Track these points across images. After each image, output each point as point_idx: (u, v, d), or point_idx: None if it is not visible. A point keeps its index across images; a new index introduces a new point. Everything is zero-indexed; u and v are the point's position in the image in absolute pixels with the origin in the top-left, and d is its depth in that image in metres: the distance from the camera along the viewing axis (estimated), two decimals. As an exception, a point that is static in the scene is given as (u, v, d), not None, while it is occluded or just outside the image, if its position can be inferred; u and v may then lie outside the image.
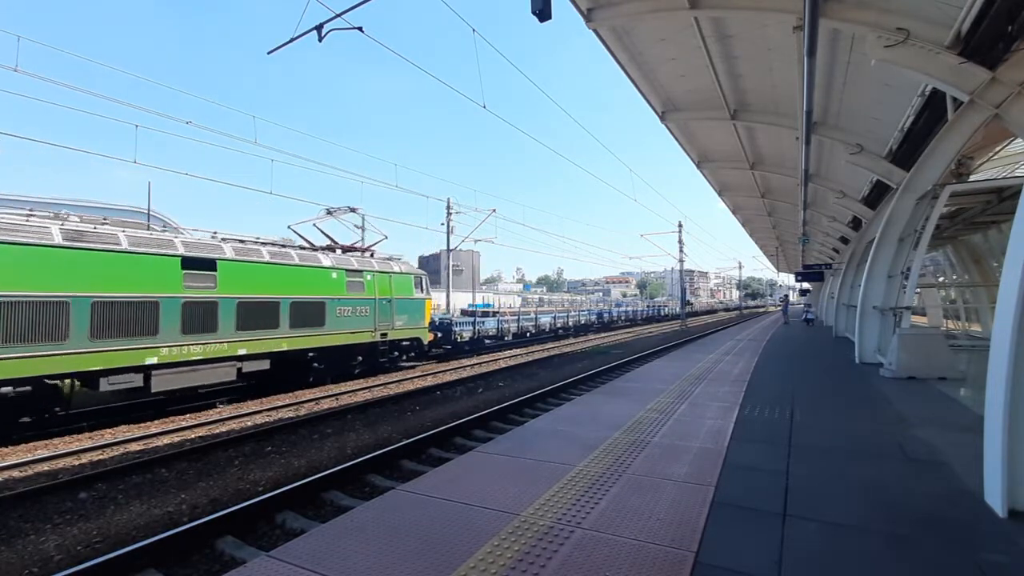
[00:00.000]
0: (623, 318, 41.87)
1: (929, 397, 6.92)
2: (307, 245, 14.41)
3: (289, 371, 12.31)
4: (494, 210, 30.58)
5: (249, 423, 9.45)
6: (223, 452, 7.58)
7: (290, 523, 5.07)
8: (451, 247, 30.51)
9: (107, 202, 26.26)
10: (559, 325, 30.08)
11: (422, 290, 16.74)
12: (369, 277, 14.45)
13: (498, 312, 28.07)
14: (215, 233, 12.02)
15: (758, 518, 3.20)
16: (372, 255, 15.85)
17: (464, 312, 26.96)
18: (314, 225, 15.60)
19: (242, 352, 10.98)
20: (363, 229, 23.38)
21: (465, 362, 17.92)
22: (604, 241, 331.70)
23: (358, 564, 2.69)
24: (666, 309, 55.43)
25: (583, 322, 33.35)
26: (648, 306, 55.39)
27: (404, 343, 15.81)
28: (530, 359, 18.80)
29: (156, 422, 9.45)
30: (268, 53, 8.54)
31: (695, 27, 8.88)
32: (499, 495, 3.58)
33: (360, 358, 14.20)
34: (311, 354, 12.61)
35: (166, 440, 8.34)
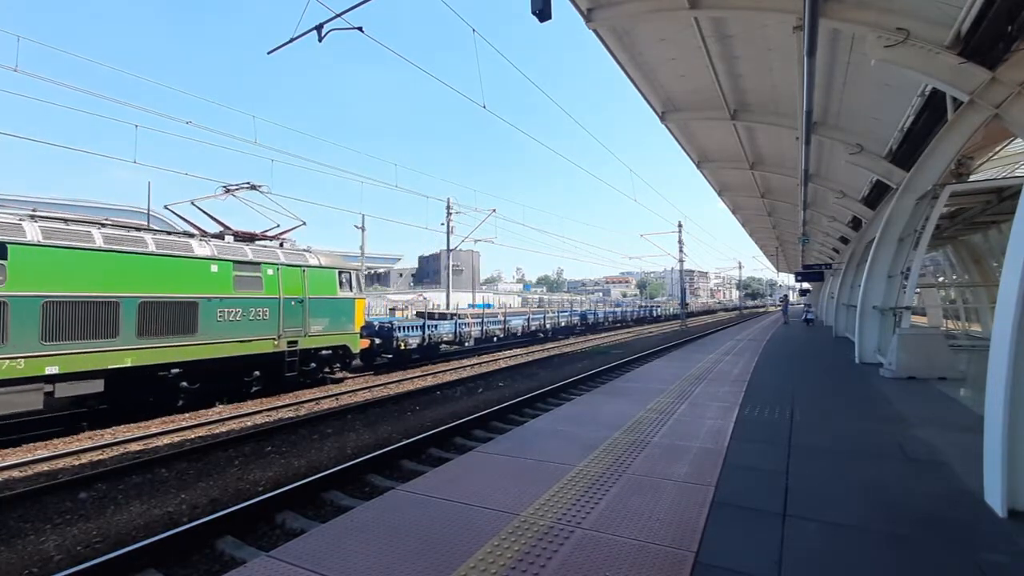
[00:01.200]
0: (611, 319, 38.65)
1: (929, 397, 6.92)
2: (196, 230, 11.68)
3: (142, 392, 9.58)
4: (494, 210, 30.70)
5: (249, 423, 9.45)
6: (223, 452, 7.58)
7: (290, 523, 5.07)
8: (451, 247, 30.53)
9: (107, 202, 26.29)
10: (534, 328, 26.31)
11: (351, 287, 13.71)
12: (271, 271, 11.64)
13: (457, 314, 22.80)
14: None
15: (758, 518, 3.20)
16: (282, 245, 12.94)
17: (419, 314, 22.83)
18: (192, 203, 12.31)
19: (52, 371, 8.20)
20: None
21: (465, 362, 17.92)
22: (604, 241, 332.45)
23: (358, 564, 2.69)
24: (659, 310, 51.83)
25: (563, 324, 29.84)
26: (641, 307, 51.84)
27: (323, 353, 12.93)
28: (530, 359, 18.81)
29: (156, 421, 9.44)
30: (268, 53, 8.54)
31: (695, 27, 8.89)
32: (499, 495, 3.58)
33: (257, 373, 11.47)
34: (176, 370, 9.88)
35: (166, 440, 8.34)
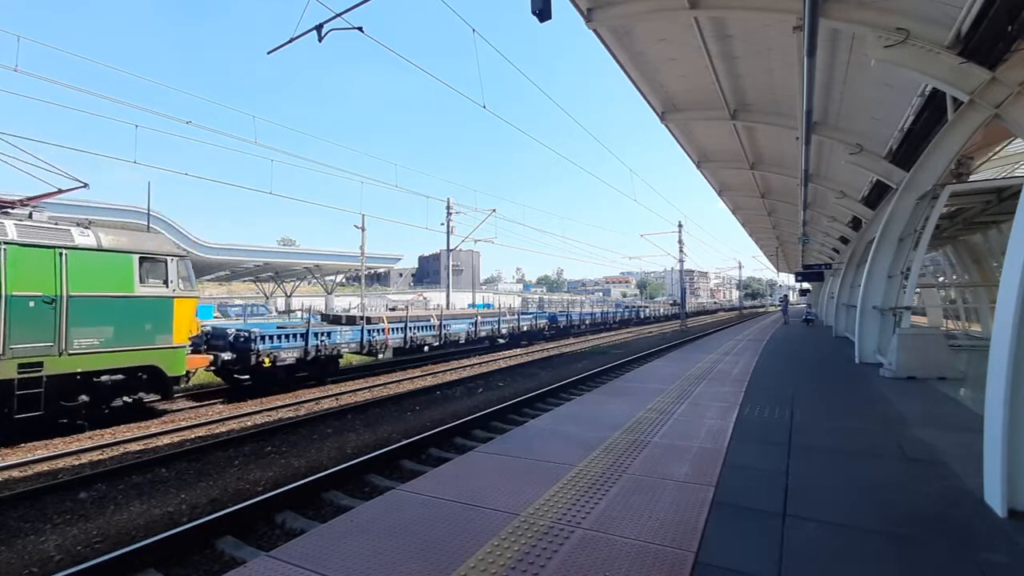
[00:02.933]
0: (588, 322, 33.44)
1: (929, 397, 6.92)
2: None
3: None
4: (494, 210, 30.72)
5: (249, 423, 9.45)
6: (223, 452, 7.58)
7: (290, 523, 5.07)
8: (451, 247, 30.53)
9: (107, 202, 26.21)
10: (484, 334, 20.61)
11: (166, 281, 9.42)
12: None
13: (366, 317, 16.02)
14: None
15: (758, 518, 3.20)
16: (31, 215, 8.43)
17: (324, 317, 17.85)
18: None
19: None
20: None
21: (465, 362, 17.90)
22: (604, 241, 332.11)
23: (358, 564, 2.69)
24: (647, 311, 46.90)
25: (525, 328, 23.84)
26: (627, 307, 46.45)
27: (106, 379, 8.57)
28: (529, 359, 18.80)
29: (156, 421, 9.45)
30: (268, 53, 8.53)
31: (695, 27, 8.88)
32: (499, 495, 3.58)
33: None
34: None
35: (166, 440, 8.33)
